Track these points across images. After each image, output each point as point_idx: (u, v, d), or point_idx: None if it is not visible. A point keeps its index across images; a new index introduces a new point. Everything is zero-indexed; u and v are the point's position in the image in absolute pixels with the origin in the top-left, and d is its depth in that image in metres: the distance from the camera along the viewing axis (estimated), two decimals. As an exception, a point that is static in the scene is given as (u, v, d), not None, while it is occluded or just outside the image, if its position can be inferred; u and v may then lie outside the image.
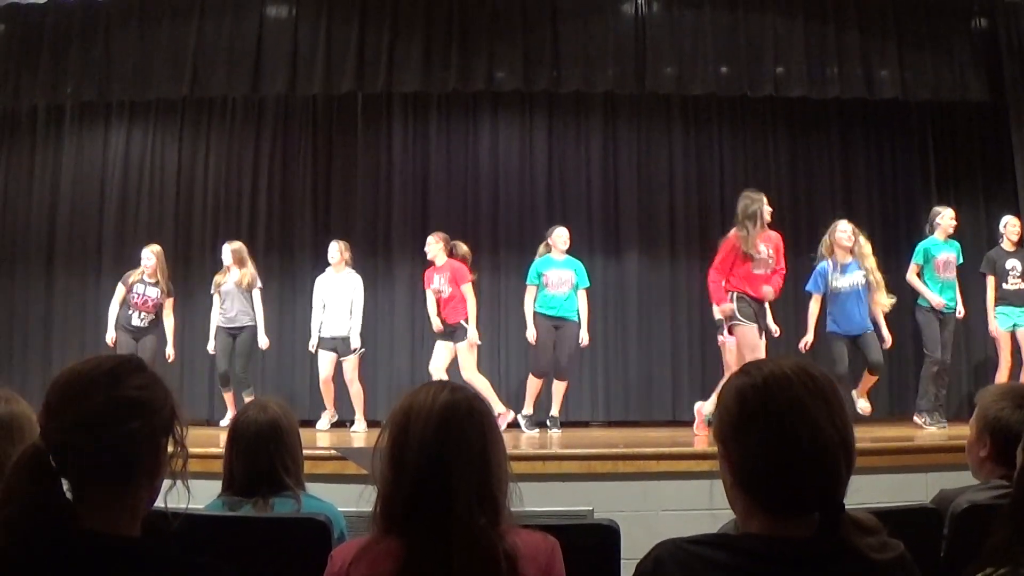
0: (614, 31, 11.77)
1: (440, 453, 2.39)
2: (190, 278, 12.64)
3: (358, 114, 13.43)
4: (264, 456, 3.82)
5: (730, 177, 13.61)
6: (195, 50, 11.34)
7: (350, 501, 4.55)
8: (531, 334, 11.28)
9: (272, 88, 11.72)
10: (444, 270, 11.26)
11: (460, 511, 2.34)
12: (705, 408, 9.95)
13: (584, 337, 11.31)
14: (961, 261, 11.17)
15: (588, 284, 11.50)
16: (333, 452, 7.24)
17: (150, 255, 11.43)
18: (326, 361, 11.44)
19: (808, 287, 10.96)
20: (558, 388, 11.33)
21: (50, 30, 11.51)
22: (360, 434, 10.83)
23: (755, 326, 9.60)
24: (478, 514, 2.36)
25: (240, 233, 12.70)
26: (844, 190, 13.70)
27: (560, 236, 11.41)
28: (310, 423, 11.37)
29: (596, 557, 3.39)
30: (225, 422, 10.89)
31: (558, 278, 11.27)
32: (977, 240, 12.73)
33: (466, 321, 11.09)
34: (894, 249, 13.34)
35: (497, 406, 10.45)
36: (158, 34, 11.41)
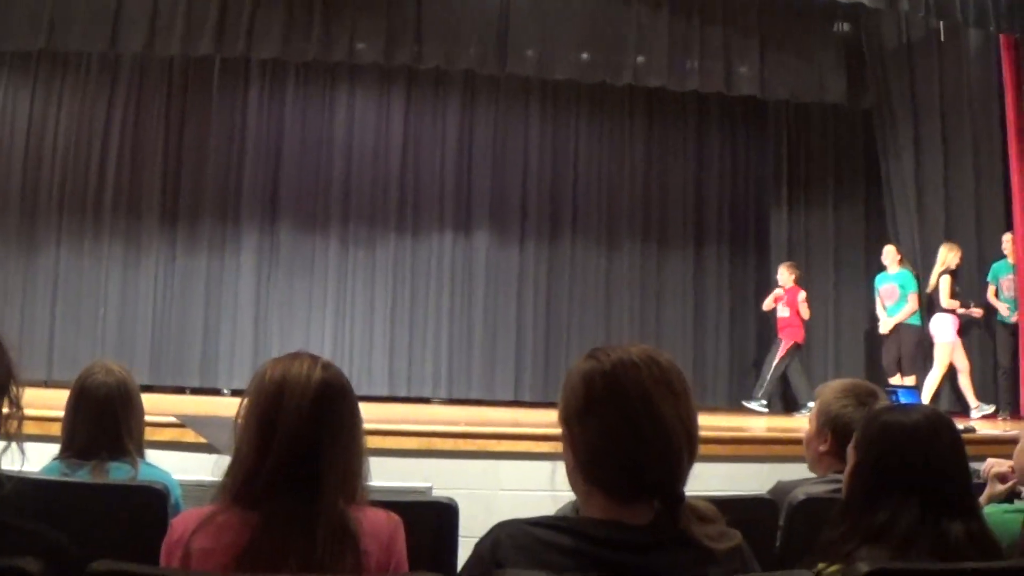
0: (478, 10, 11.74)
1: (314, 431, 2.38)
2: (35, 236, 12.34)
3: (214, 78, 13.21)
4: (110, 419, 3.76)
5: (584, 163, 13.74)
6: (53, 2, 11.03)
7: (188, 470, 4.51)
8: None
9: (129, 46, 11.43)
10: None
11: (325, 488, 2.34)
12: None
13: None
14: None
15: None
16: (173, 419, 7.11)
17: None
18: None
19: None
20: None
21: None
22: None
23: None
24: (339, 491, 2.36)
25: (87, 191, 12.45)
26: (696, 183, 13.92)
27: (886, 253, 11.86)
28: (148, 388, 11.20)
29: (434, 535, 3.39)
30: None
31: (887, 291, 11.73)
32: (821, 243, 13.05)
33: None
34: (741, 247, 13.62)
35: None
36: (15, -16, 11.09)
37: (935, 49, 11.98)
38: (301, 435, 2.37)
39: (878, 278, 11.93)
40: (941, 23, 11.50)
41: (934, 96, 11.93)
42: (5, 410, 2.16)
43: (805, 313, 12.20)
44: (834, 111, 13.03)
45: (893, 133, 12.28)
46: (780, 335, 12.28)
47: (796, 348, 12.16)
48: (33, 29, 11.03)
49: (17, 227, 11.61)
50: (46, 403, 4.36)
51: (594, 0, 11.75)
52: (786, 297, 12.25)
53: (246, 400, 2.48)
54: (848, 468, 2.78)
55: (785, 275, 12.36)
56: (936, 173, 11.87)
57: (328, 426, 2.40)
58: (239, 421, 2.46)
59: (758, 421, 10.93)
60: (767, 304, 12.45)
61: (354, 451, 2.47)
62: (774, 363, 12.10)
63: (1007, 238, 11.32)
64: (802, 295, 12.22)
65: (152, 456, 4.04)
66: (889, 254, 11.76)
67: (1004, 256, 11.34)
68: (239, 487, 2.38)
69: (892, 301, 11.66)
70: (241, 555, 2.28)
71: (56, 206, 12.38)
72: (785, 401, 12.55)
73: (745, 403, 12.19)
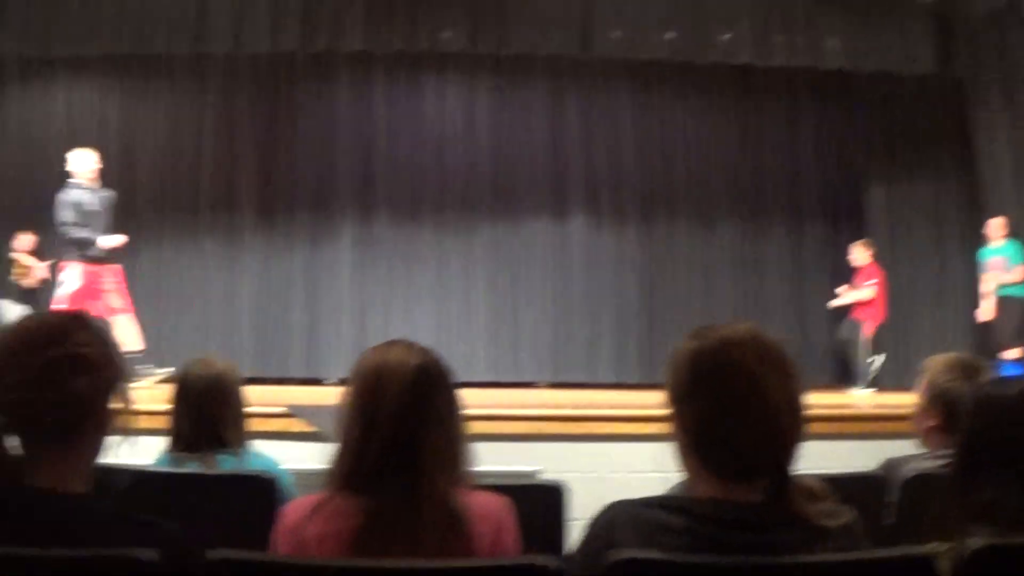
0: (562, -7, 11.71)
1: (413, 417, 2.40)
2: (135, 237, 12.49)
3: (302, 73, 13.32)
4: (208, 413, 3.81)
5: (676, 142, 13.67)
6: (138, 6, 11.15)
7: (298, 459, 4.56)
8: None
9: (215, 46, 11.55)
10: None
11: (428, 473, 2.36)
12: None
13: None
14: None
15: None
16: (281, 410, 7.20)
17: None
18: None
19: None
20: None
21: (-10, -17, 11.32)
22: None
23: None
24: (444, 476, 2.38)
25: (183, 191, 12.63)
26: (790, 159, 13.77)
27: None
28: (254, 380, 11.33)
29: (543, 517, 3.40)
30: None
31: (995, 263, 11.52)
32: (918, 214, 12.86)
33: None
34: (838, 221, 13.47)
35: None
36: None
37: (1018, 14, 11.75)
38: (401, 421, 2.40)
39: (983, 251, 11.67)
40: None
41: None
42: (117, 405, 2.20)
43: (867, 295, 12.04)
44: (924, 81, 12.78)
45: (986, 102, 12.06)
46: (859, 315, 12.10)
47: (879, 327, 11.99)
48: (119, 32, 11.18)
49: (115, 229, 11.75)
50: (155, 398, 4.42)
51: (677, -22, 11.67)
52: (862, 277, 12.14)
53: (347, 389, 2.51)
54: (954, 444, 2.75)
55: (861, 252, 12.22)
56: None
57: (427, 411, 2.43)
58: (342, 410, 2.50)
59: (865, 398, 10.80)
60: (864, 295, 12.20)
61: (455, 435, 2.49)
62: (859, 345, 11.92)
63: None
64: (874, 279, 12.09)
65: (261, 446, 4.09)
66: (995, 226, 11.44)
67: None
68: (346, 474, 2.42)
69: (1001, 273, 11.36)
70: (354, 540, 2.31)
71: (153, 207, 12.55)
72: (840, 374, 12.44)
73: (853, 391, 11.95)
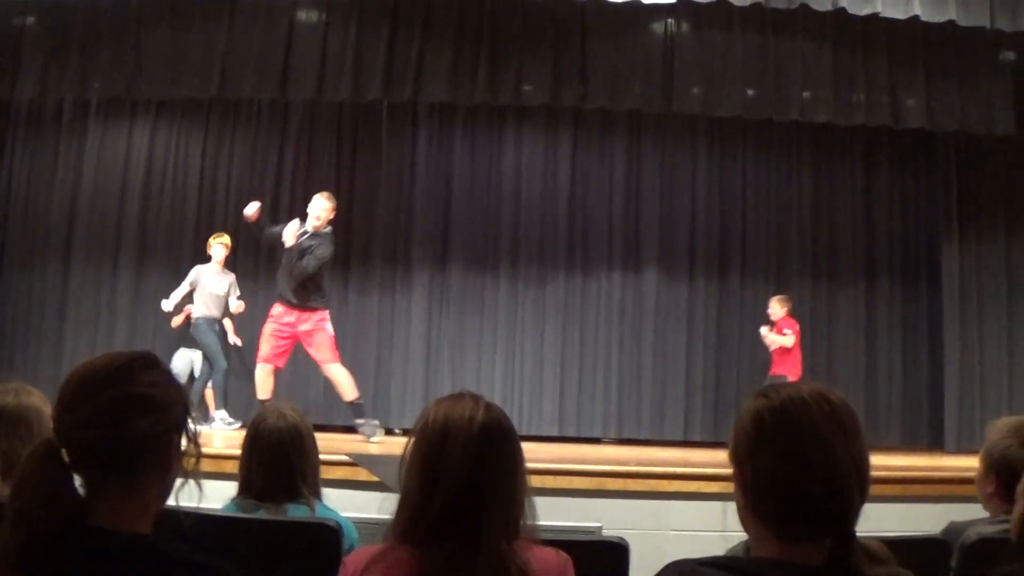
0: (643, 49, 11.71)
1: (477, 474, 2.41)
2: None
3: (383, 122, 13.48)
4: (284, 464, 3.81)
5: (752, 200, 13.66)
6: (224, 52, 11.30)
7: (361, 507, 4.56)
8: None
9: (299, 93, 11.70)
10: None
11: (487, 528, 2.36)
12: None
13: None
14: None
15: None
16: (344, 458, 7.22)
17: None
18: None
19: None
20: None
21: (80, 25, 11.46)
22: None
23: None
24: (502, 531, 2.38)
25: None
26: (866, 218, 13.70)
27: None
28: (322, 428, 11.37)
29: (605, 574, 3.38)
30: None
31: None
32: (994, 276, 12.73)
33: None
34: (913, 281, 13.37)
35: None
36: (188, 34, 11.37)
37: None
38: (464, 476, 2.39)
39: None
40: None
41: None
42: (183, 447, 2.21)
43: (790, 343, 11.91)
44: (1003, 142, 12.67)
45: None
46: (777, 369, 11.95)
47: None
48: (205, 77, 11.34)
49: (192, 267, 11.91)
50: (224, 442, 4.43)
51: (758, 36, 11.64)
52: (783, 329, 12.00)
53: (411, 441, 2.52)
54: (1017, 510, 2.72)
55: (776, 308, 12.13)
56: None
57: (491, 468, 2.42)
58: (405, 461, 2.50)
59: (930, 461, 10.67)
60: (784, 341, 12.07)
61: (517, 491, 2.48)
62: None
63: None
64: (788, 330, 11.97)
65: (326, 494, 4.09)
66: None
67: None
68: (406, 526, 2.42)
69: None
70: None
71: (231, 249, 12.69)
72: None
73: None
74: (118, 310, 12.75)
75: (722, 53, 11.60)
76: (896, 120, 11.68)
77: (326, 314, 10.11)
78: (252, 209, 9.93)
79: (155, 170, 13.39)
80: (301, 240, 9.80)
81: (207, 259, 11.83)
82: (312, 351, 10.12)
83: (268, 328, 10.08)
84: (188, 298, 11.76)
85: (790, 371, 11.81)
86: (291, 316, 9.96)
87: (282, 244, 9.88)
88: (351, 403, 10.21)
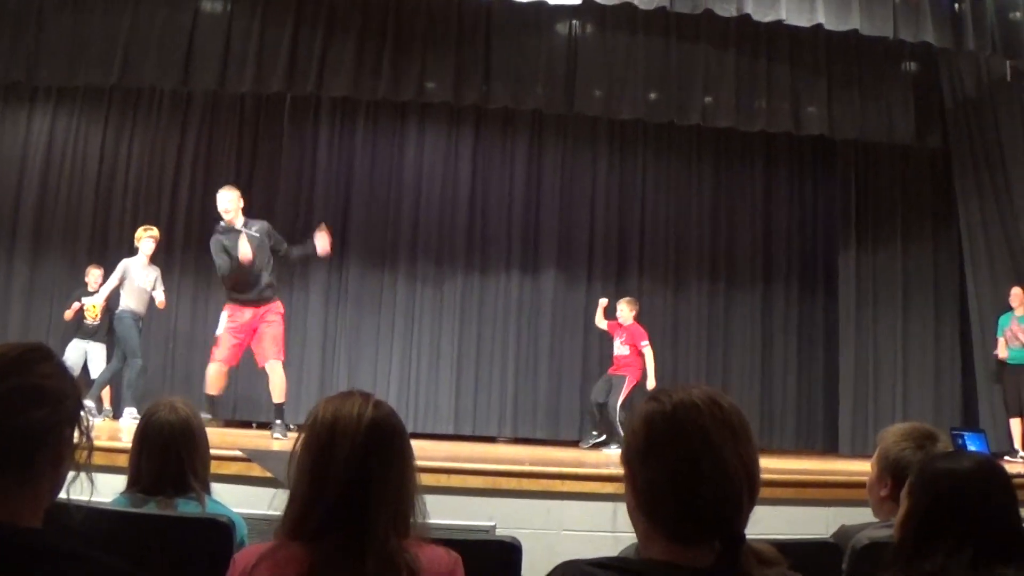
0: (546, 50, 11.79)
1: (365, 471, 2.40)
2: (106, 265, 12.45)
3: (285, 115, 13.40)
4: (174, 457, 3.77)
5: (651, 202, 13.77)
6: (126, 39, 11.18)
7: (253, 503, 4.52)
8: None
9: (201, 83, 11.62)
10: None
11: (375, 525, 2.36)
12: None
13: None
14: None
15: None
16: (238, 453, 7.16)
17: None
18: None
19: None
20: None
21: (-22, 10, 11.33)
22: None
23: None
24: (392, 529, 2.38)
25: (158, 226, 12.59)
26: (764, 223, 13.90)
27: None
28: (230, 423, 11.35)
29: (496, 574, 3.39)
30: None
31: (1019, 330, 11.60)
32: (889, 283, 12.94)
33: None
34: (809, 286, 13.55)
35: None
36: (90, 21, 11.23)
37: (1008, 90, 11.91)
38: (352, 473, 2.39)
39: (1004, 317, 11.73)
40: (1008, 63, 11.47)
41: (1017, 136, 11.81)
42: (75, 440, 2.18)
43: (650, 360, 11.82)
44: (902, 151, 12.92)
45: (965, 174, 12.23)
46: (620, 371, 11.94)
47: (637, 387, 11.73)
48: (107, 65, 11.22)
49: (87, 257, 11.75)
50: (112, 434, 4.37)
51: (662, 40, 11.76)
52: (625, 335, 12.00)
53: (300, 437, 2.51)
54: (900, 513, 2.77)
55: (626, 311, 12.05)
56: (1010, 217, 11.78)
57: (379, 465, 2.42)
58: (294, 458, 2.50)
59: (824, 465, 10.83)
60: (600, 321, 12.29)
61: (406, 489, 2.48)
62: (618, 404, 11.61)
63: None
64: (645, 341, 11.90)
65: (219, 489, 4.06)
66: (1017, 296, 11.56)
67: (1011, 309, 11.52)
68: (295, 523, 2.41)
69: (1018, 343, 11.49)
70: None
71: (127, 238, 12.48)
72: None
73: (598, 449, 11.71)
74: (12, 301, 12.51)
75: (625, 56, 11.71)
76: (797, 127, 11.88)
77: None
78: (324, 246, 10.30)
79: (53, 159, 13.16)
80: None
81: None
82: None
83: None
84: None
85: (632, 374, 11.85)
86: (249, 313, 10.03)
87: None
88: (278, 405, 10.15)
